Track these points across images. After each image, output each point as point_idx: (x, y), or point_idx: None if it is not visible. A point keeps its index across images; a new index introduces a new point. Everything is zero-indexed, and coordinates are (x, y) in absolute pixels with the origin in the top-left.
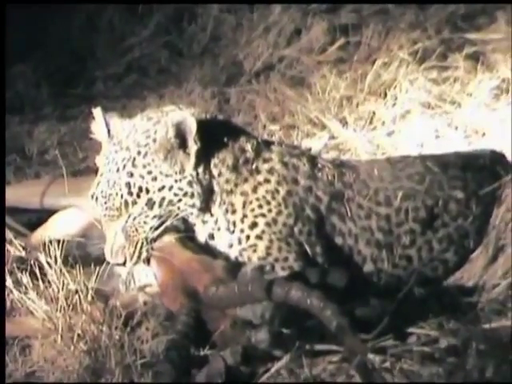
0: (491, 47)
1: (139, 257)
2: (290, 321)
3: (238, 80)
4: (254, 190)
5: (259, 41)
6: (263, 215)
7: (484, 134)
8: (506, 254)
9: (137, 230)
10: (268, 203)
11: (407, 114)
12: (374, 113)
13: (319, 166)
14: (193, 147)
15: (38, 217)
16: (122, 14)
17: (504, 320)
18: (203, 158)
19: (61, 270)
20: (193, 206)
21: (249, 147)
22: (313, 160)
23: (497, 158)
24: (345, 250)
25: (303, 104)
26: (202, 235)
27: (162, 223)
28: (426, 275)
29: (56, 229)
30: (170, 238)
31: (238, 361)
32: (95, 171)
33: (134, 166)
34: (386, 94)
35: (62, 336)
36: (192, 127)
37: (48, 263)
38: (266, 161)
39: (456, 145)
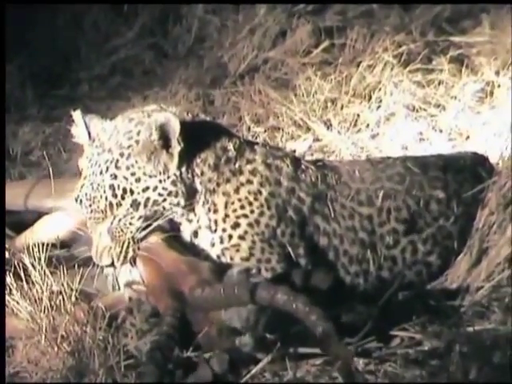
0: (476, 50)
1: (125, 257)
2: (275, 324)
3: (223, 82)
4: (237, 190)
5: (244, 42)
6: (245, 216)
7: (468, 137)
8: (490, 257)
9: (122, 230)
10: (250, 204)
11: (391, 117)
12: (358, 115)
13: (302, 167)
14: (176, 148)
15: (21, 218)
16: (106, 15)
17: (487, 323)
18: (186, 157)
19: (44, 272)
20: (177, 204)
21: (231, 146)
22: (296, 162)
23: (478, 159)
24: (330, 250)
25: (288, 106)
26: (187, 233)
27: (148, 224)
28: (410, 279)
29: (43, 233)
30: (156, 239)
31: (225, 369)
32: (80, 172)
33: (117, 167)
34: (370, 97)
35: (45, 337)
36: (176, 128)
37: (32, 264)
38: (249, 162)
39: (440, 148)
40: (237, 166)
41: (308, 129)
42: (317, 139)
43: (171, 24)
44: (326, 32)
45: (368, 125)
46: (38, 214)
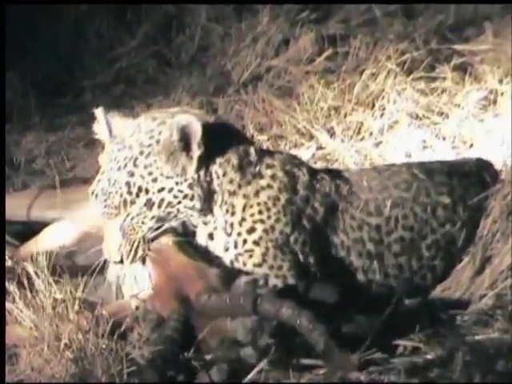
0: (479, 58)
1: (135, 256)
2: (279, 336)
3: (226, 90)
4: (256, 194)
5: (247, 51)
6: (262, 221)
7: (472, 145)
8: (493, 265)
9: (134, 229)
10: (268, 210)
11: (395, 125)
12: (361, 123)
13: (318, 177)
14: (196, 151)
15: (26, 227)
16: (109, 24)
17: (491, 331)
18: (205, 160)
19: (48, 280)
20: (193, 208)
21: (252, 150)
22: (312, 171)
23: (483, 164)
24: (337, 261)
25: (291, 114)
26: (202, 236)
27: (161, 225)
28: (415, 284)
29: (48, 242)
30: (167, 240)
31: (224, 379)
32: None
33: (135, 165)
34: (373, 105)
35: (48, 345)
36: (197, 132)
37: (35, 273)
38: (268, 166)
39: (443, 155)
40: (257, 169)
41: (311, 137)
42: (320, 147)
43: (174, 32)
44: (329, 40)
45: (371, 133)
46: (43, 224)
